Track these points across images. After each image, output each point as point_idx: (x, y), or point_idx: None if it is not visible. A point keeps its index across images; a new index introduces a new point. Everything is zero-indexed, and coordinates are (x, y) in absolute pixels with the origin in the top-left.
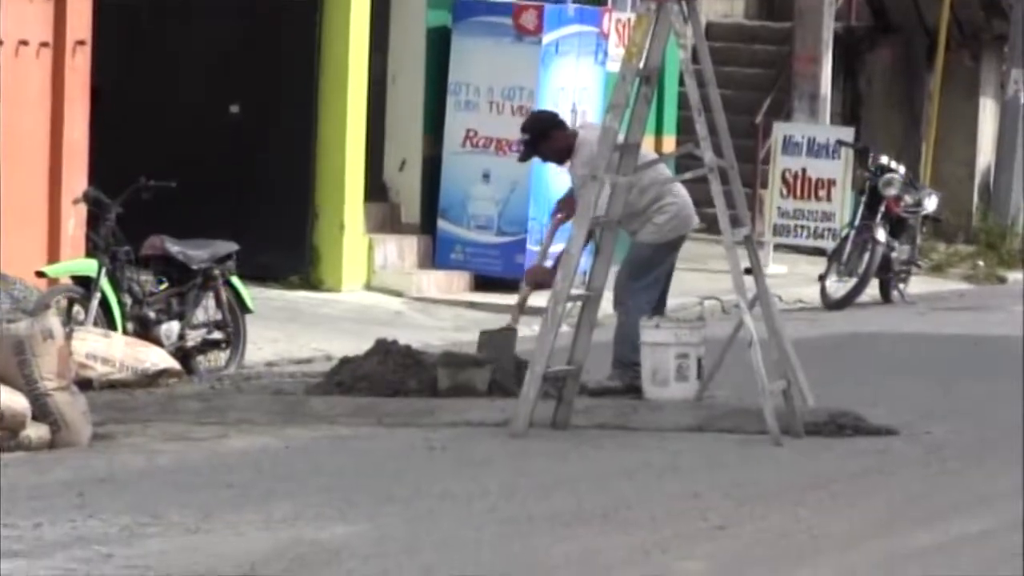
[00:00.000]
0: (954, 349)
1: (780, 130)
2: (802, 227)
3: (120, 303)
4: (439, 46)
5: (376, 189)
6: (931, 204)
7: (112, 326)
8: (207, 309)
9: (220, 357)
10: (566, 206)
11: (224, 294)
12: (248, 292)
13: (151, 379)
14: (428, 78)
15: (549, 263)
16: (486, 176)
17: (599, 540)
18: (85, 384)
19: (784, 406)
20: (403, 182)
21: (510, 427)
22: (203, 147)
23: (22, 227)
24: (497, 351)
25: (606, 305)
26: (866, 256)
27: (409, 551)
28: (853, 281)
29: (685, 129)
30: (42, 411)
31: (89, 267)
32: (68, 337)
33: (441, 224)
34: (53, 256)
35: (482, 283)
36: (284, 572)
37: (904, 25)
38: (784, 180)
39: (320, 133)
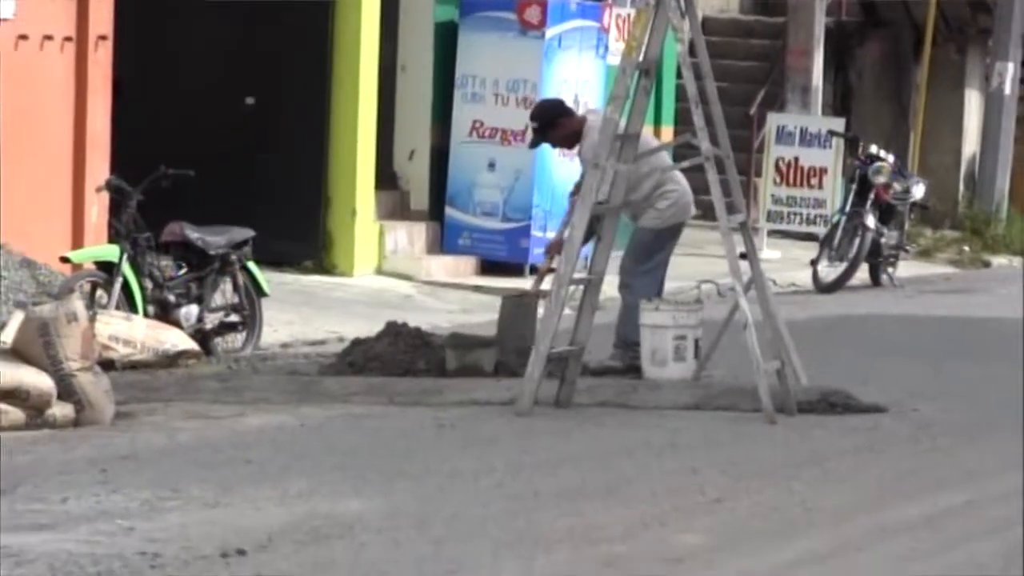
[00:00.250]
0: (941, 330)
1: (774, 121)
2: (795, 214)
3: (141, 287)
4: (446, 40)
5: (386, 178)
6: (919, 192)
7: (134, 309)
8: (224, 293)
9: (237, 339)
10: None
11: (241, 278)
12: (264, 276)
13: (171, 360)
14: (436, 71)
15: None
16: (492, 165)
17: (601, 514)
18: (108, 365)
19: (778, 385)
20: (412, 171)
21: (515, 406)
22: (220, 137)
23: (47, 214)
24: (518, 316)
25: (607, 288)
26: (856, 241)
27: (420, 525)
28: (844, 265)
29: (683, 120)
30: (67, 391)
31: (111, 253)
32: (92, 320)
33: (449, 211)
34: (77, 242)
35: (488, 267)
36: (299, 545)
37: (893, 20)
38: (778, 168)
39: (332, 124)
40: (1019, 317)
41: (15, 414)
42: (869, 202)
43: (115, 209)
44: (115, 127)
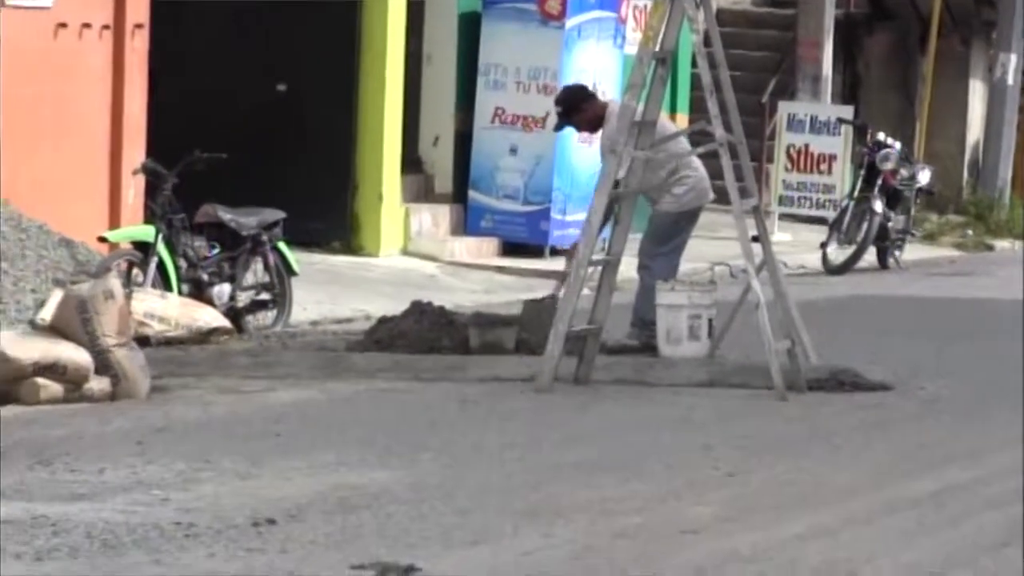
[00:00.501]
0: (946, 311)
1: (785, 109)
2: (805, 198)
3: (176, 266)
4: (470, 30)
5: (412, 162)
6: (924, 177)
7: (168, 287)
8: (256, 272)
9: (268, 316)
10: None
11: (272, 258)
12: (294, 256)
13: (204, 336)
14: (460, 60)
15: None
16: (513, 150)
17: (618, 487)
18: (143, 341)
19: (789, 363)
20: (437, 156)
21: (536, 382)
22: (253, 123)
23: (86, 196)
24: (541, 317)
25: (624, 270)
26: (864, 225)
27: (444, 496)
28: (852, 248)
29: (697, 108)
30: (104, 365)
31: (147, 233)
32: (128, 297)
33: (472, 194)
34: (114, 223)
35: (509, 248)
36: (327, 515)
37: (900, 12)
38: (789, 155)
39: (360, 111)
40: (1019, 299)
41: (54, 388)
42: (877, 187)
43: (151, 191)
44: (151, 112)
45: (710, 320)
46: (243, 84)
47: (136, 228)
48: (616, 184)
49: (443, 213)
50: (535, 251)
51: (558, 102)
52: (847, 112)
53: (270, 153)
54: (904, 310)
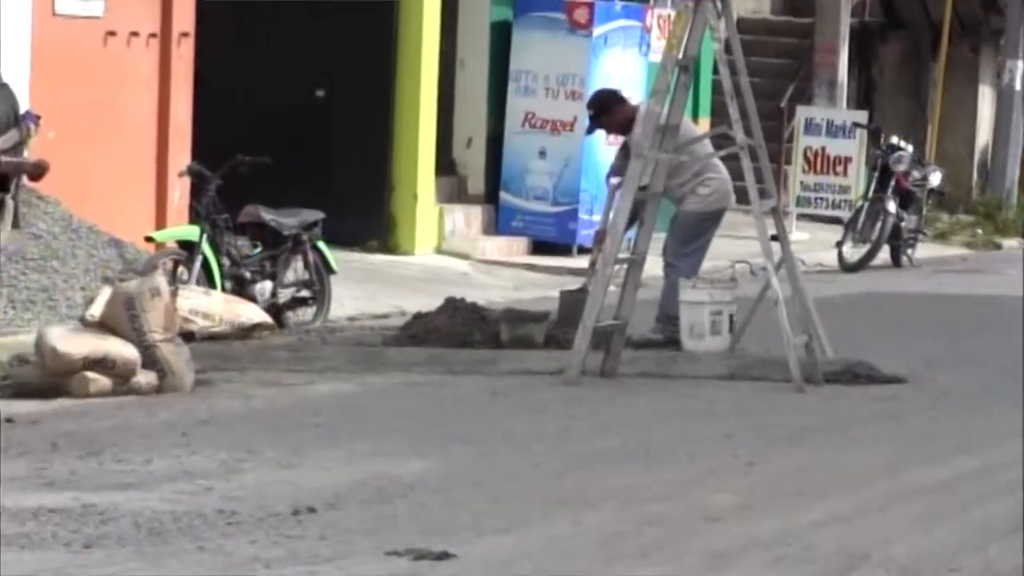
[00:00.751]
0: (956, 307)
1: (802, 113)
2: (822, 199)
3: (219, 265)
4: (501, 38)
5: (446, 164)
6: (936, 179)
7: (212, 285)
8: (296, 270)
9: (307, 312)
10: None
11: (311, 257)
12: (332, 255)
13: (246, 332)
14: (492, 66)
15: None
16: (542, 153)
17: (643, 475)
18: (188, 336)
19: (806, 357)
20: (469, 158)
21: (564, 375)
22: (293, 127)
23: (133, 197)
24: (576, 306)
25: (648, 268)
26: (878, 225)
27: (476, 484)
28: (867, 247)
29: (719, 112)
30: (150, 360)
31: (192, 233)
32: (173, 295)
33: (503, 195)
34: (160, 223)
35: (539, 247)
36: (365, 503)
37: (912, 21)
38: (806, 157)
39: (396, 115)
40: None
41: (103, 382)
42: (890, 189)
43: (196, 193)
44: (196, 117)
45: (731, 316)
46: (284, 90)
47: (181, 228)
48: (642, 187)
49: (475, 213)
50: (563, 250)
51: (590, 106)
52: (862, 116)
53: (310, 156)
54: (916, 306)
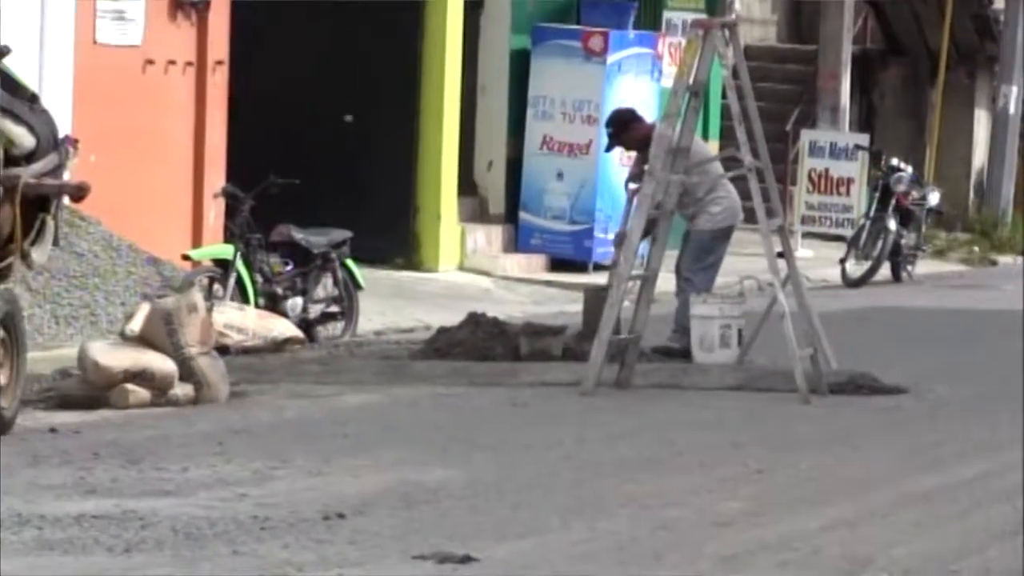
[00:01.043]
0: (954, 321)
1: (807, 136)
2: (825, 218)
3: (253, 282)
4: (520, 65)
5: (468, 186)
6: (934, 198)
7: (246, 301)
8: (326, 287)
9: (337, 327)
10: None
11: (340, 274)
12: (360, 272)
13: (279, 346)
14: (511, 93)
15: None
16: (560, 175)
17: (656, 482)
18: (223, 350)
19: (811, 369)
20: (490, 180)
21: (581, 387)
22: (323, 151)
23: (171, 217)
24: (600, 304)
25: (661, 284)
26: (879, 242)
27: (497, 491)
28: (869, 263)
29: (727, 135)
30: (187, 373)
31: (227, 251)
32: (209, 310)
33: (522, 215)
34: (196, 242)
35: (556, 264)
36: (391, 509)
37: (911, 48)
38: (810, 178)
39: (421, 139)
40: (1020, 310)
41: (142, 393)
42: (891, 208)
43: (230, 213)
44: (231, 141)
45: (739, 329)
46: (314, 115)
47: (217, 247)
48: (655, 205)
49: (496, 232)
50: (580, 267)
51: (609, 124)
52: (863, 139)
53: (338, 178)
54: (916, 320)
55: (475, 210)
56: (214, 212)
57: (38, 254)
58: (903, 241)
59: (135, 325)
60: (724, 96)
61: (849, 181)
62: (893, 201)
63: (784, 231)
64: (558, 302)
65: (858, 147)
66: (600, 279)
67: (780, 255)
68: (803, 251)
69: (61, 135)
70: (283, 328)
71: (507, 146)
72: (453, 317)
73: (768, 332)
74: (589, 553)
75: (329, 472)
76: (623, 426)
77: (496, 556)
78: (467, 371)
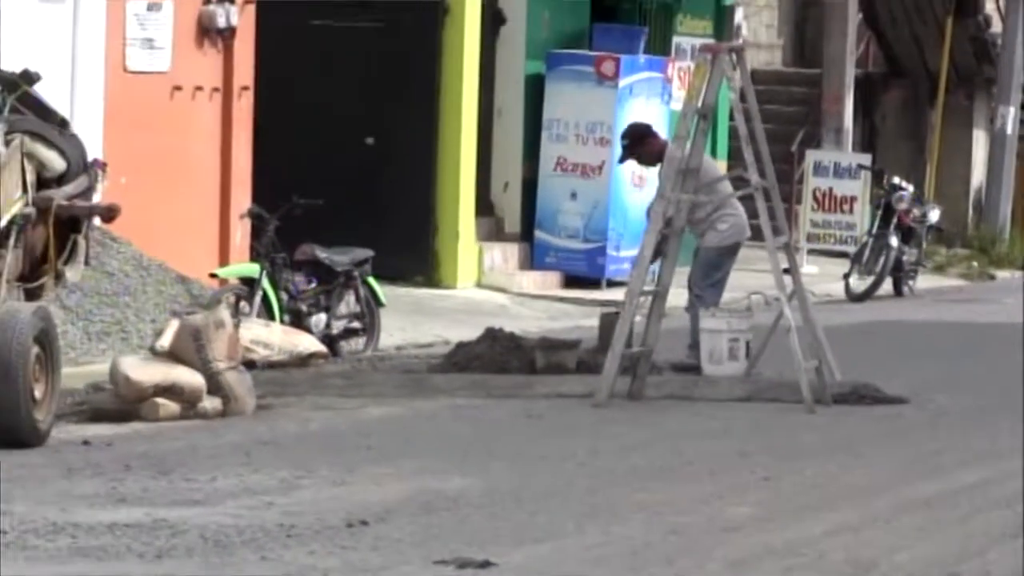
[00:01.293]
0: (954, 334)
1: (811, 156)
2: (830, 235)
3: (278, 299)
4: (535, 89)
5: (485, 206)
6: (934, 216)
7: (271, 317)
8: (348, 304)
9: (359, 342)
10: None
11: (362, 291)
12: (381, 289)
13: (303, 360)
14: (526, 116)
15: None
16: (574, 195)
17: (667, 490)
18: (250, 365)
19: (816, 380)
20: (506, 200)
21: (594, 398)
22: (345, 172)
23: (198, 237)
24: (612, 329)
25: (671, 299)
26: (882, 258)
27: (514, 498)
28: (872, 279)
29: (735, 156)
30: (215, 387)
31: (253, 270)
32: (236, 327)
33: (537, 233)
34: (223, 261)
35: (570, 281)
36: (412, 516)
37: (911, 71)
38: (815, 197)
39: (439, 161)
40: (1020, 323)
41: (172, 407)
42: (892, 225)
43: (256, 233)
44: (256, 163)
45: (747, 343)
46: (336, 138)
47: (243, 265)
48: (665, 223)
49: (512, 250)
50: (593, 283)
51: (624, 136)
52: (866, 159)
53: (360, 199)
54: (918, 333)
55: (492, 229)
56: (240, 232)
57: (71, 273)
58: (905, 257)
59: (165, 341)
60: (732, 118)
61: (852, 199)
62: (895, 219)
63: (790, 248)
64: (572, 317)
65: (861, 167)
66: (612, 295)
67: (786, 271)
68: (808, 267)
69: (91, 159)
70: (307, 343)
71: (523, 168)
72: (471, 332)
73: (775, 345)
74: (603, 557)
75: (353, 481)
76: (635, 436)
77: (514, 561)
78: (485, 384)
